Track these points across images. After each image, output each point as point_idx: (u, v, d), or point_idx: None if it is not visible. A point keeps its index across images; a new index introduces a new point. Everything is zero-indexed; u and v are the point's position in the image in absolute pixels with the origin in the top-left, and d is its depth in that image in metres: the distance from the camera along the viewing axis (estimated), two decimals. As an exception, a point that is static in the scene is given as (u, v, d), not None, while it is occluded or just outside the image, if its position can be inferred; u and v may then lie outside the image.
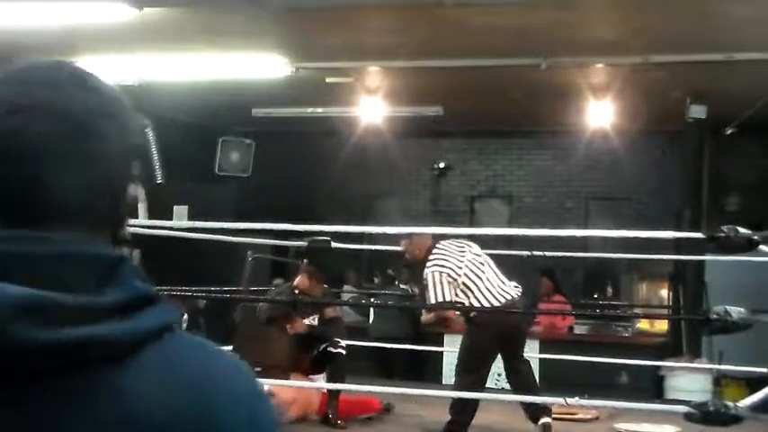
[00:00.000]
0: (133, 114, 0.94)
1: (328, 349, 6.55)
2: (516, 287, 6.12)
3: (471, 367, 5.87)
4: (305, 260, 6.88)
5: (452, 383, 6.20)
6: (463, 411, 5.80)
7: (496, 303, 5.83)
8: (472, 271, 5.84)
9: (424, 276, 5.86)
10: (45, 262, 0.82)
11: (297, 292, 6.68)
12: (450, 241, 6.07)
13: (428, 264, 5.87)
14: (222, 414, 0.83)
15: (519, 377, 6.06)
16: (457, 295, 5.80)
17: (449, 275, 5.76)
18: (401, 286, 10.81)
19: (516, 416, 6.75)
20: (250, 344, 6.39)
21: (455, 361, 6.15)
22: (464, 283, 5.78)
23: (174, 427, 0.81)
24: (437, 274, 5.77)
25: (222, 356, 0.89)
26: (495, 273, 6.00)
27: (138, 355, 0.82)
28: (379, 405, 6.65)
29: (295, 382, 6.23)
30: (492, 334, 5.77)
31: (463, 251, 5.94)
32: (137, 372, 0.82)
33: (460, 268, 5.81)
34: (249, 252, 7.99)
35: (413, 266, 11.30)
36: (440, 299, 5.79)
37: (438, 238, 6.18)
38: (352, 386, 6.42)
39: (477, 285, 5.81)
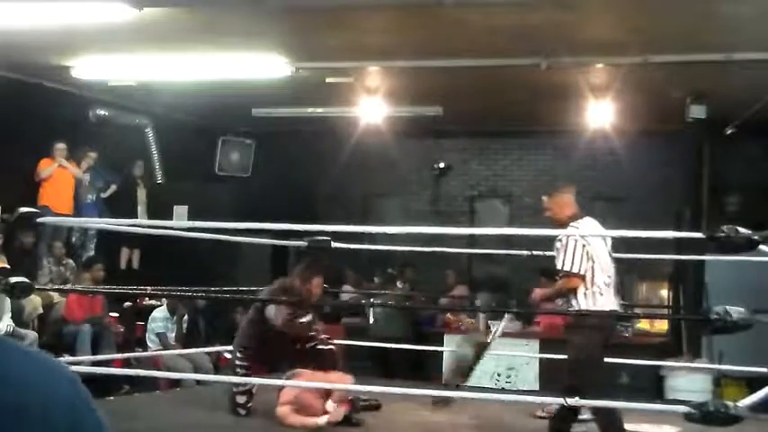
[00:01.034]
0: None
1: (318, 347, 6.53)
2: (621, 304, 5.73)
3: (592, 380, 5.30)
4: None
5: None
6: (612, 422, 5.30)
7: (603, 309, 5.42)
8: (602, 267, 5.42)
9: (560, 238, 5.46)
10: None
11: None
12: (598, 226, 5.70)
13: (571, 226, 5.49)
14: (38, 421, 0.80)
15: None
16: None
17: (588, 253, 5.36)
18: (398, 284, 10.83)
19: (516, 416, 6.75)
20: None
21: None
22: (593, 273, 5.38)
23: None
24: (579, 245, 5.36)
25: (42, 362, 0.86)
26: (615, 280, 5.57)
27: None
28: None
29: (298, 383, 6.23)
30: (601, 337, 5.38)
31: (605, 244, 5.55)
32: None
33: (598, 257, 5.42)
34: None
35: (413, 266, 11.37)
36: (575, 269, 5.34)
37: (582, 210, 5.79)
38: (352, 386, 6.42)
39: (596, 283, 5.39)
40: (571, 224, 5.53)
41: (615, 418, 5.32)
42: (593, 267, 5.39)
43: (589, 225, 5.62)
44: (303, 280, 6.43)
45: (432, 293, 11.46)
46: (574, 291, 5.41)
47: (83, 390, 0.87)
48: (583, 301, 5.40)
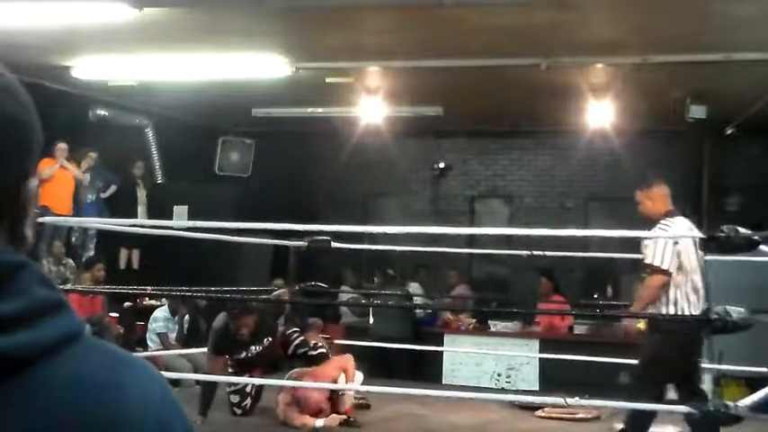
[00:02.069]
0: (31, 107, 0.87)
1: (308, 353, 6.55)
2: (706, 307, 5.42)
3: (655, 380, 5.21)
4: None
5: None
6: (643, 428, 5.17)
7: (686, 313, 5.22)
8: (687, 269, 5.25)
9: (654, 230, 5.33)
10: None
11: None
12: (690, 226, 5.49)
13: (662, 224, 5.34)
14: (130, 422, 0.80)
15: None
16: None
17: (676, 252, 5.19)
18: (411, 284, 10.90)
19: (515, 415, 6.75)
20: None
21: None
22: (677, 274, 5.19)
23: None
24: (670, 243, 5.18)
25: (132, 363, 0.85)
26: (702, 282, 5.38)
27: (41, 367, 0.78)
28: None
29: (297, 383, 6.24)
30: (680, 345, 5.16)
31: (695, 248, 5.36)
32: (39, 384, 0.78)
33: (685, 258, 5.24)
34: None
35: (427, 267, 11.38)
36: (664, 266, 5.15)
37: (676, 208, 5.62)
38: (351, 386, 6.42)
39: (680, 285, 5.22)
40: (662, 221, 5.39)
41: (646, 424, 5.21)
42: (678, 267, 5.23)
43: (681, 224, 5.45)
44: (234, 321, 6.39)
45: (433, 293, 11.47)
46: (664, 289, 5.21)
47: (172, 394, 0.87)
48: (671, 306, 5.24)
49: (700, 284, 5.37)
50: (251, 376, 6.36)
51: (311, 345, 6.64)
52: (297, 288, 7.59)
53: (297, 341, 6.58)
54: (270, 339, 6.48)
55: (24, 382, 0.78)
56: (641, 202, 5.67)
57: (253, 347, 6.43)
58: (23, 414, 0.77)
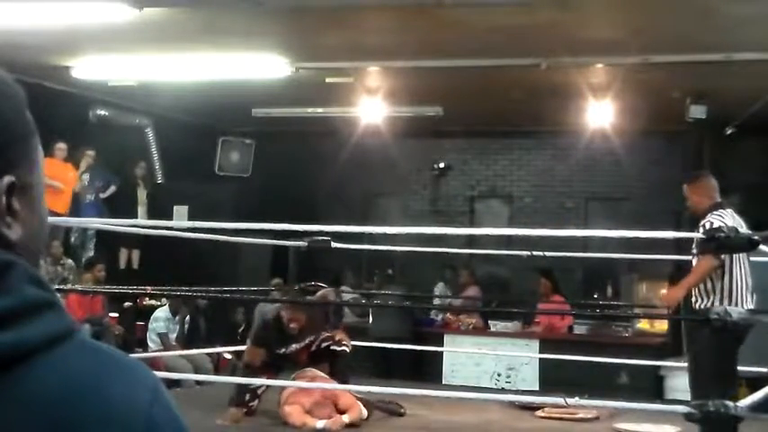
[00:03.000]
0: (16, 100, 0.86)
1: (331, 347, 6.57)
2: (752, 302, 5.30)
3: (728, 382, 4.95)
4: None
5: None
6: None
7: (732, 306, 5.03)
8: (740, 265, 5.17)
9: (704, 223, 5.22)
10: None
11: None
12: (739, 219, 5.34)
13: (715, 215, 5.23)
14: (116, 423, 0.79)
15: None
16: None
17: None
18: (438, 284, 10.94)
19: (515, 415, 6.75)
20: None
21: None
22: (728, 267, 5.12)
23: None
24: (723, 228, 4.93)
25: (123, 364, 0.84)
26: (748, 275, 5.26)
27: (30, 365, 0.77)
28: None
29: (297, 383, 6.23)
30: (734, 341, 4.93)
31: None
32: (27, 383, 0.77)
33: (737, 254, 5.12)
34: None
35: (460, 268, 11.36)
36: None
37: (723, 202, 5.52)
38: (351, 386, 6.41)
39: (734, 281, 5.13)
40: (712, 213, 5.30)
41: None
42: (731, 261, 5.14)
43: (732, 216, 5.34)
44: (288, 312, 6.39)
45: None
46: (718, 274, 5.09)
47: (165, 396, 0.85)
48: (725, 297, 5.15)
49: (750, 280, 5.30)
50: (269, 377, 6.35)
51: (335, 339, 6.66)
52: (297, 288, 7.59)
53: (322, 336, 6.63)
54: (311, 339, 6.53)
55: (12, 380, 0.77)
56: (688, 197, 5.58)
57: (294, 345, 6.46)
58: (10, 412, 0.77)
